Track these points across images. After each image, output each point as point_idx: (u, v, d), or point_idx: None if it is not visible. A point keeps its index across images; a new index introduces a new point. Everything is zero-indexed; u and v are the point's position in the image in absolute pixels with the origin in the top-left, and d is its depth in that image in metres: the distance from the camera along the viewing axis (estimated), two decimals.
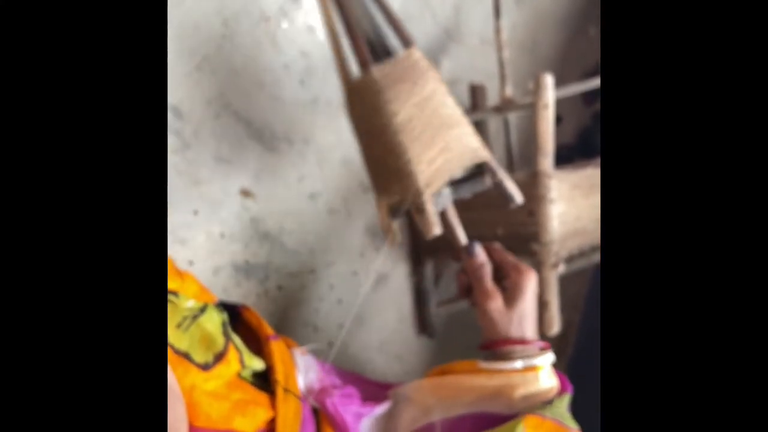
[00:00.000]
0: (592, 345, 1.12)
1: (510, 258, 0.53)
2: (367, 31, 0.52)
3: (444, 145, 0.50)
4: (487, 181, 0.54)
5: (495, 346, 0.51)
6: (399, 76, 0.51)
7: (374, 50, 0.52)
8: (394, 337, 0.98)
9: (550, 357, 0.50)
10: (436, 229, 0.49)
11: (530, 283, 0.51)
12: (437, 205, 0.51)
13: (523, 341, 0.50)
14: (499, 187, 0.53)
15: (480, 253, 0.52)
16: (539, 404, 0.48)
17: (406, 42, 0.53)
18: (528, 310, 0.51)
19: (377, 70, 0.50)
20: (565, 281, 0.86)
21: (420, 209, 0.49)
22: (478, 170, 0.54)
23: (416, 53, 0.53)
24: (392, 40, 0.53)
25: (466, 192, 0.53)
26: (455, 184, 0.53)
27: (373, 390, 0.59)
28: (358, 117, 0.54)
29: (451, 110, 0.52)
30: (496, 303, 0.50)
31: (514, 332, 0.50)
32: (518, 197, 0.54)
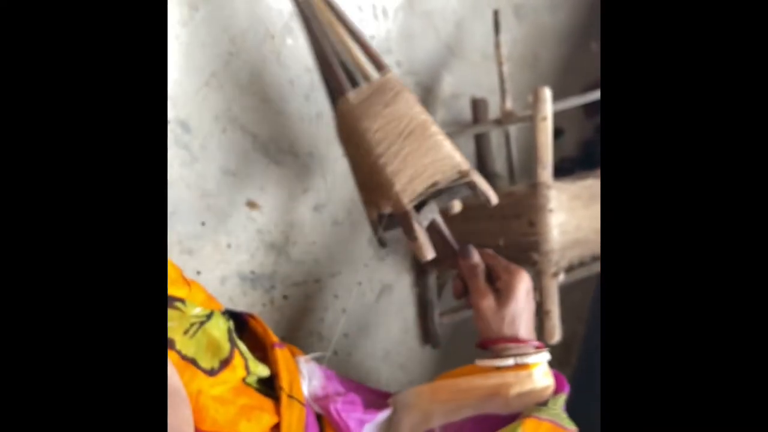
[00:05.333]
0: (597, 355, 1.12)
1: (502, 261, 0.54)
2: (344, 61, 0.56)
3: (419, 161, 0.53)
4: (464, 189, 0.55)
5: (488, 344, 0.52)
6: (372, 99, 0.55)
7: (351, 77, 0.57)
8: (398, 347, 0.99)
9: (545, 356, 0.51)
10: (429, 254, 0.51)
11: (521, 284, 0.52)
12: (424, 220, 0.53)
13: (516, 340, 0.51)
14: (474, 190, 0.55)
15: (473, 254, 0.54)
16: (534, 405, 0.48)
17: (380, 67, 0.56)
18: (520, 310, 0.52)
19: (353, 95, 0.55)
20: (569, 292, 0.87)
21: (410, 233, 0.51)
22: (458, 180, 0.56)
23: (390, 77, 0.56)
24: (367, 66, 0.57)
25: (447, 200, 0.55)
26: (437, 194, 0.55)
27: (373, 398, 0.59)
28: (345, 140, 0.58)
29: (425, 127, 0.55)
30: (488, 302, 0.52)
31: (507, 331, 0.51)
32: (493, 197, 0.55)
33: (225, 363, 0.49)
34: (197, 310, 0.51)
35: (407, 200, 0.52)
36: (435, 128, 0.55)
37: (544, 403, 0.48)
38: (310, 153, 0.86)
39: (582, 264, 0.86)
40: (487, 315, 0.52)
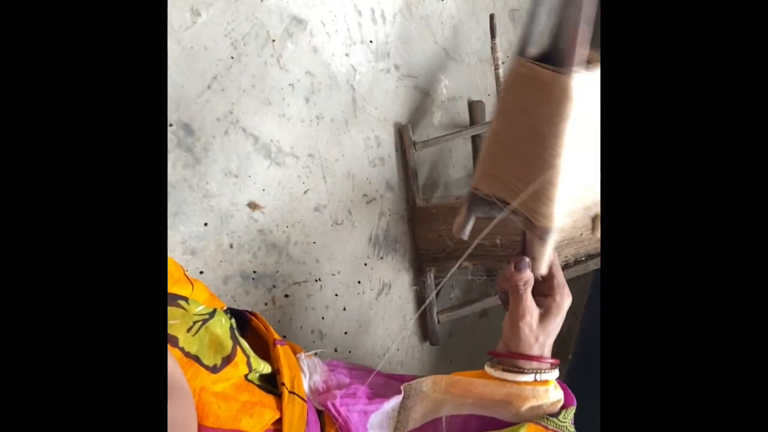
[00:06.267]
0: (592, 352, 1.13)
1: (560, 276, 0.51)
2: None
3: (509, 168, 0.46)
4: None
5: (512, 358, 0.51)
6: (529, 82, 0.44)
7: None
8: (397, 344, 1.01)
9: (556, 372, 0.51)
10: (459, 234, 0.48)
11: (567, 307, 0.51)
12: (483, 213, 0.49)
13: (539, 358, 0.50)
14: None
15: (526, 270, 0.50)
16: (543, 415, 0.49)
17: (562, 64, 0.43)
18: (554, 332, 0.51)
19: (522, 61, 0.44)
20: None
21: (461, 208, 0.48)
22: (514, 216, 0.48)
23: (558, 78, 0.42)
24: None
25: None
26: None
27: (384, 383, 0.60)
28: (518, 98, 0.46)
29: (544, 146, 0.43)
30: (529, 320, 0.49)
31: (536, 350, 0.50)
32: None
33: (227, 360, 0.50)
34: (200, 309, 0.52)
35: (477, 186, 0.47)
36: (559, 157, 0.42)
37: (554, 415, 0.49)
38: (311, 155, 0.87)
39: (577, 262, 0.88)
40: (523, 332, 0.49)
